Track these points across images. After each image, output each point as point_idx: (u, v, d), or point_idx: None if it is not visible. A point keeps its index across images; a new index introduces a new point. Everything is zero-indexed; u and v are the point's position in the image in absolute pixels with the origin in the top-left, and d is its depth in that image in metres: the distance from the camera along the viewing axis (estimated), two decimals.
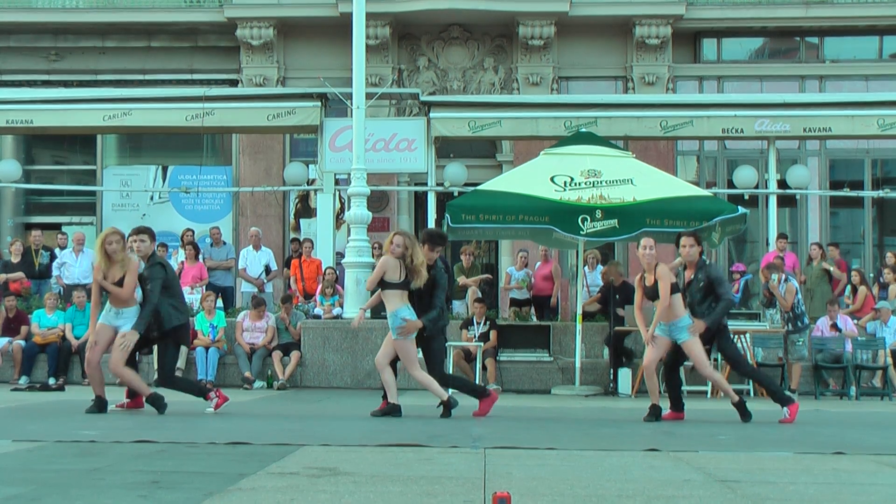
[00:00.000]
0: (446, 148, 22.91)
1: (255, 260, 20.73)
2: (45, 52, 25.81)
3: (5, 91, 23.38)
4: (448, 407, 11.66)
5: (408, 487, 6.22)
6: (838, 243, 22.05)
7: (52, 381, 17.41)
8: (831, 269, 19.77)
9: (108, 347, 11.74)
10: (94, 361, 11.78)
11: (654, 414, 11.63)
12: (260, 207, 24.94)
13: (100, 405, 11.68)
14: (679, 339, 11.61)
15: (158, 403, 11.63)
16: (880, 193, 22.32)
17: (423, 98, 22.32)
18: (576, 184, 16.67)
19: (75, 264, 20.11)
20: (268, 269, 20.81)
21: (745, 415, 11.66)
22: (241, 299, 21.00)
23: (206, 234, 21.77)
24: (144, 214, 24.60)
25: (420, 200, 23.57)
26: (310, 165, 22.99)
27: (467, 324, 17.71)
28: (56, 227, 23.97)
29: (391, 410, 11.70)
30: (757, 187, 22.20)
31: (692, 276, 11.81)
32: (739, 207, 17.21)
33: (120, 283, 11.54)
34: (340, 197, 22.48)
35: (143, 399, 11.85)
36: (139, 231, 12.04)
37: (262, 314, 17.98)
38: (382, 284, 11.70)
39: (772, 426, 11.25)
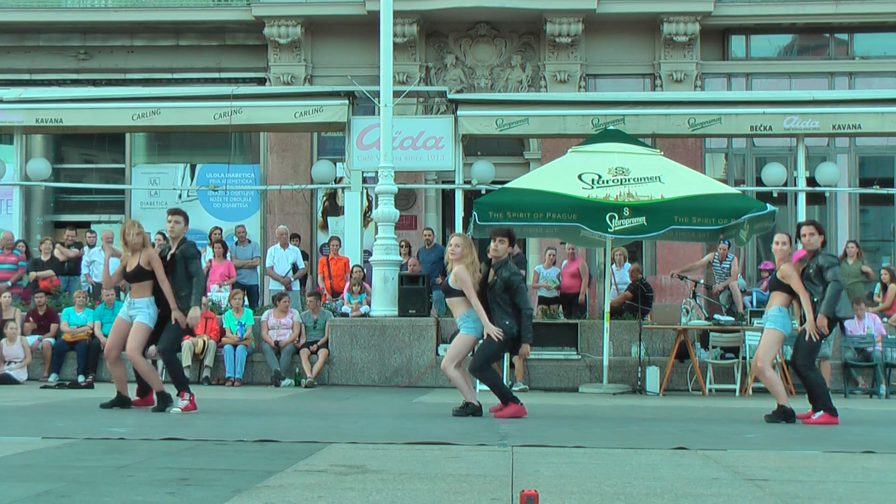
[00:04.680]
0: (474, 146, 22.92)
1: (282, 258, 20.73)
2: (74, 51, 25.94)
3: (35, 90, 23.51)
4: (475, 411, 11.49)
5: (435, 485, 6.22)
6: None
7: (81, 378, 17.49)
8: (870, 270, 19.49)
9: (124, 341, 11.73)
10: (113, 356, 11.88)
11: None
12: (288, 205, 24.98)
13: (121, 401, 11.80)
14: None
15: (165, 401, 11.64)
16: None
17: (450, 96, 22.32)
18: (603, 181, 16.62)
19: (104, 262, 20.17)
20: (295, 268, 20.83)
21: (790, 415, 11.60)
22: (269, 297, 21.03)
23: (232, 232, 21.81)
24: None
25: (448, 198, 23.55)
26: (337, 163, 23.03)
27: None
28: (85, 225, 24.11)
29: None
30: (786, 185, 22.09)
31: (807, 265, 11.64)
32: (768, 205, 17.10)
33: (137, 271, 11.58)
34: (368, 195, 22.49)
35: (154, 394, 11.85)
36: (175, 212, 12.05)
37: (285, 309, 18.02)
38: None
39: (801, 425, 11.20)
